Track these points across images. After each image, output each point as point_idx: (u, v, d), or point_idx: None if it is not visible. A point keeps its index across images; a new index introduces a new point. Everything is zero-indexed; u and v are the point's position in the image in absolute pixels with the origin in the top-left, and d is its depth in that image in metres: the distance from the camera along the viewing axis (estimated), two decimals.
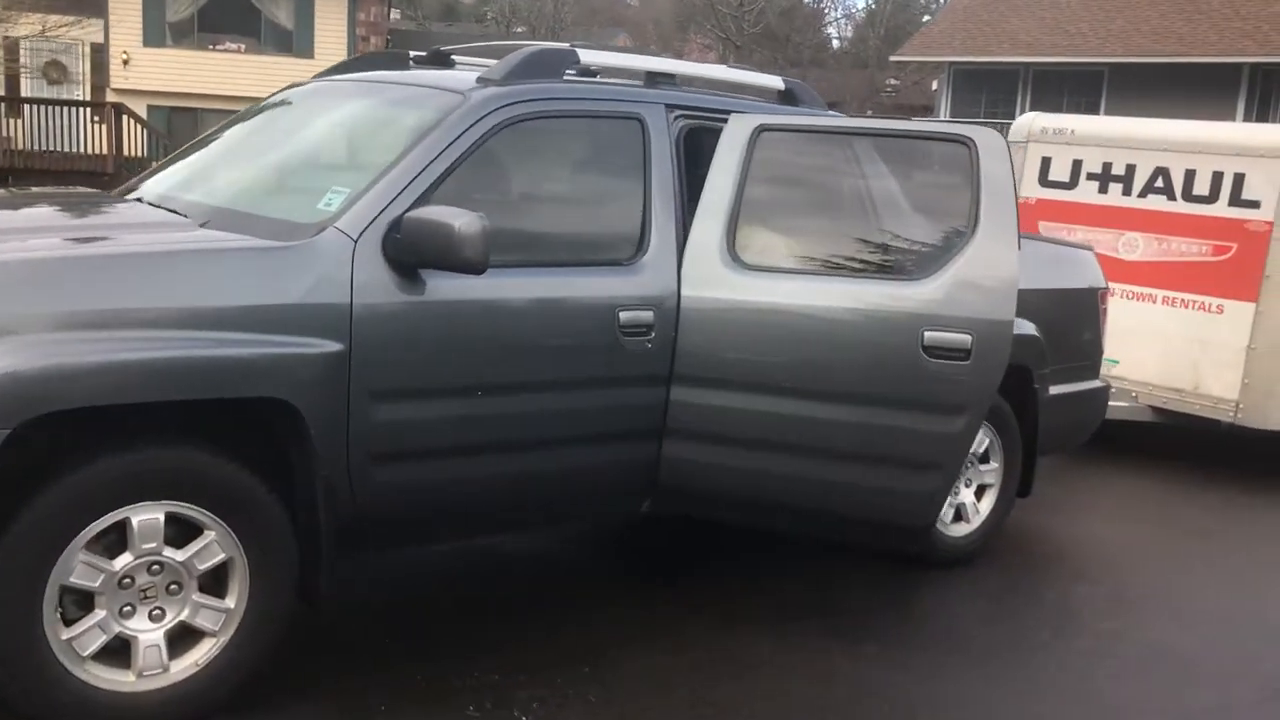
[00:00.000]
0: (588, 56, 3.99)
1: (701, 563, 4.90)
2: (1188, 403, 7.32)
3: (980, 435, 4.99)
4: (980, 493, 5.11)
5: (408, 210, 3.30)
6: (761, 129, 4.02)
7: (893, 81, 43.21)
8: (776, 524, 4.13)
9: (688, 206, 3.99)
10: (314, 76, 4.75)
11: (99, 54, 24.20)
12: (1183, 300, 7.33)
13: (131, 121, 22.06)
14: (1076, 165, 7.80)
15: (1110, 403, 7.46)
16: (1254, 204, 7.05)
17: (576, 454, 3.73)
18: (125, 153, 21.97)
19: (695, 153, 4.09)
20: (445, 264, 3.22)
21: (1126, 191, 7.58)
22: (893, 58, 26.65)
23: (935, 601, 4.67)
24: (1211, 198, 7.22)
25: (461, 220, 3.16)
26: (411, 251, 3.25)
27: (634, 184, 3.91)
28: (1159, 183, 7.44)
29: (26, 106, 22.45)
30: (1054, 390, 5.24)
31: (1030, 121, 8.13)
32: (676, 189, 3.97)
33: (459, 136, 3.50)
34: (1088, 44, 23.78)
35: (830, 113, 4.67)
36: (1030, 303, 5.00)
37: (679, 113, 4.08)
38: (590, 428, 3.73)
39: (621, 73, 4.26)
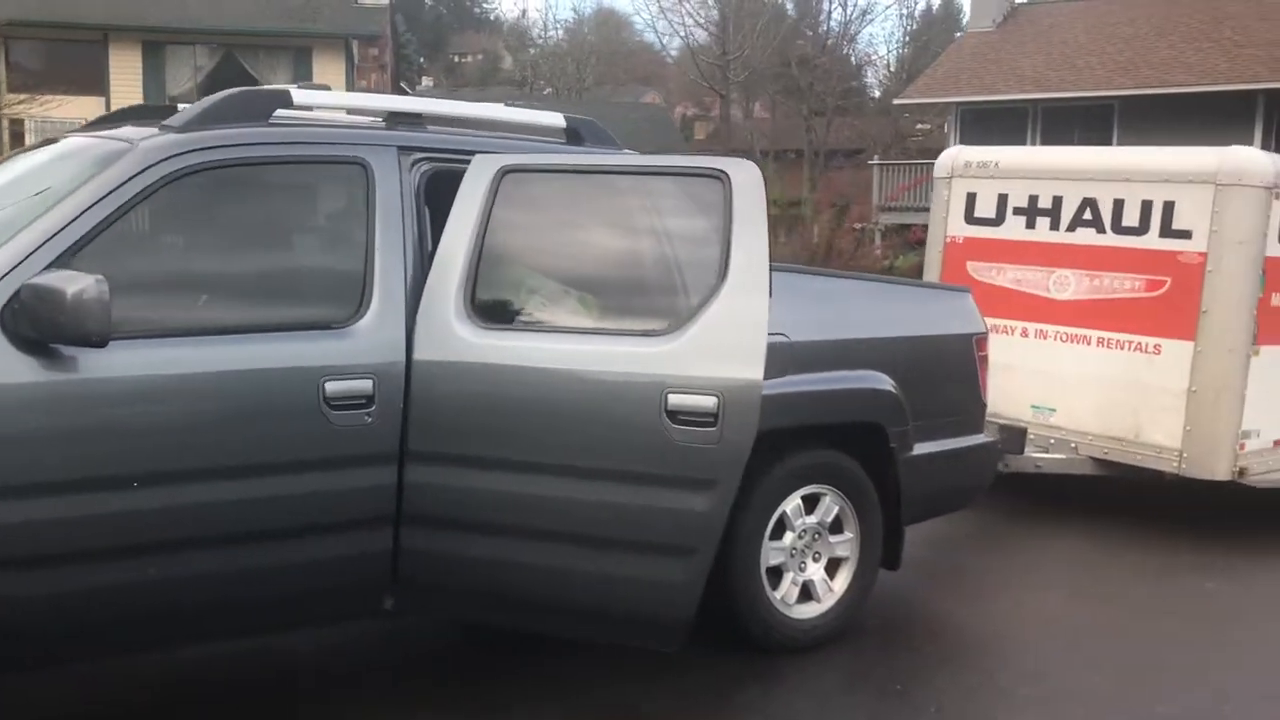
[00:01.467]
0: (303, 97, 3.57)
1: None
2: (1129, 452, 6.68)
3: (827, 502, 4.45)
4: (833, 568, 4.55)
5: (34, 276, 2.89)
6: (506, 170, 3.58)
7: (922, 125, 42.75)
8: (525, 623, 3.63)
9: (429, 259, 3.54)
10: (77, 130, 4.38)
11: None
12: (1118, 341, 6.73)
13: None
14: (1002, 200, 7.25)
15: (1048, 454, 6.95)
16: (1185, 234, 6.46)
17: (278, 550, 3.26)
18: None
19: (448, 200, 3.65)
20: (62, 336, 2.80)
21: (1055, 226, 7.01)
22: (897, 101, 26.19)
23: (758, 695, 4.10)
24: (1142, 229, 6.64)
25: (76, 286, 2.75)
26: (29, 323, 2.83)
27: (353, 236, 3.47)
28: (1087, 214, 6.88)
29: None
30: (920, 449, 4.68)
31: (955, 155, 7.61)
32: (412, 240, 3.53)
33: (116, 189, 3.09)
34: (1095, 78, 23.19)
35: (611, 151, 4.21)
36: (885, 353, 4.51)
37: (419, 155, 3.65)
38: (294, 519, 3.26)
39: (369, 113, 3.86)
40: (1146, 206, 6.61)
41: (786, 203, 23.85)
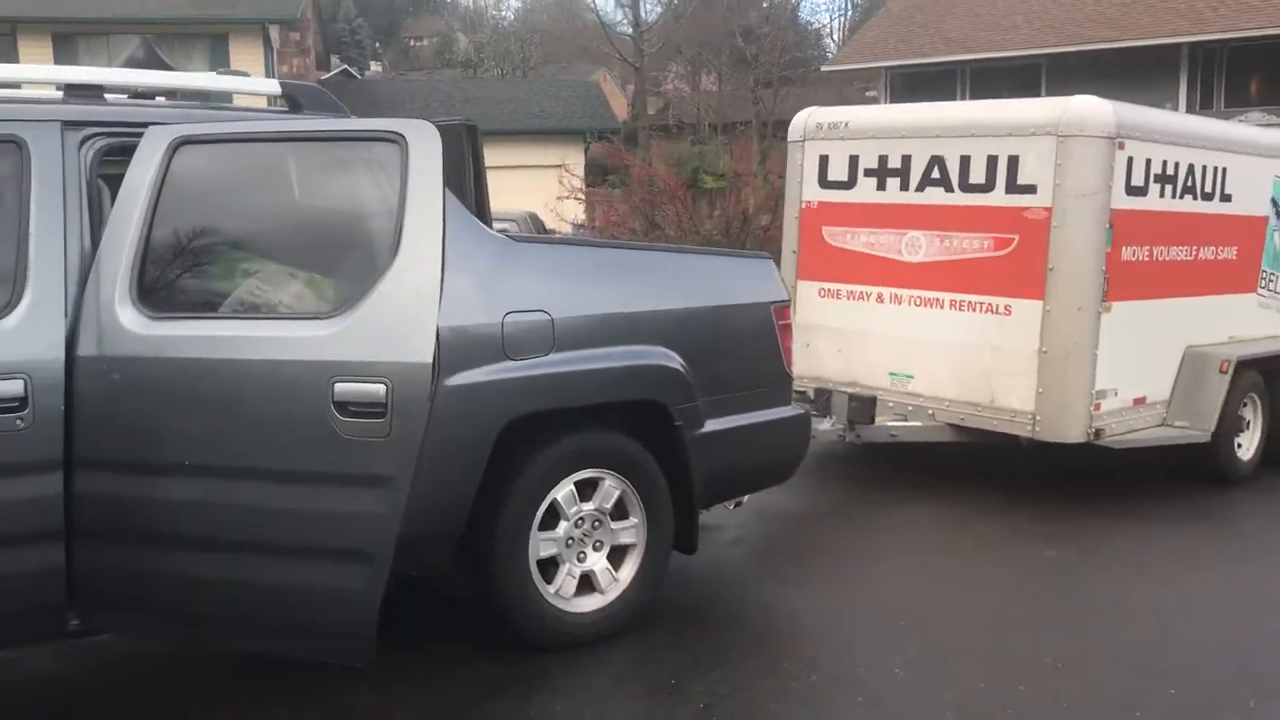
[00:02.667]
0: None
1: None
2: (985, 418, 6.47)
3: (607, 487, 4.20)
4: (618, 556, 4.29)
5: None
6: (182, 141, 3.28)
7: (871, 93, 42.44)
8: (218, 640, 3.35)
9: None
10: None
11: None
12: (970, 303, 6.50)
13: None
14: (854, 161, 7.00)
15: (907, 422, 6.72)
16: (1030, 189, 6.23)
17: None
18: None
19: None
20: None
21: (904, 186, 6.77)
22: (825, 68, 25.86)
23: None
24: (988, 186, 6.41)
25: None
26: None
27: (3, 222, 3.16)
28: (935, 173, 6.63)
29: None
30: (713, 426, 4.43)
31: (807, 117, 7.35)
32: (78, 224, 3.22)
33: None
34: (1022, 37, 22.96)
35: (327, 117, 3.90)
36: (669, 326, 4.25)
37: (93, 130, 3.34)
38: None
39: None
40: (992, 162, 6.37)
41: (735, 175, 23.58)
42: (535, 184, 20.85)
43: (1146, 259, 6.44)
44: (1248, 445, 7.09)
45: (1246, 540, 5.97)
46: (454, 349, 3.73)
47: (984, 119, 6.48)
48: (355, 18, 60.62)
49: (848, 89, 40.57)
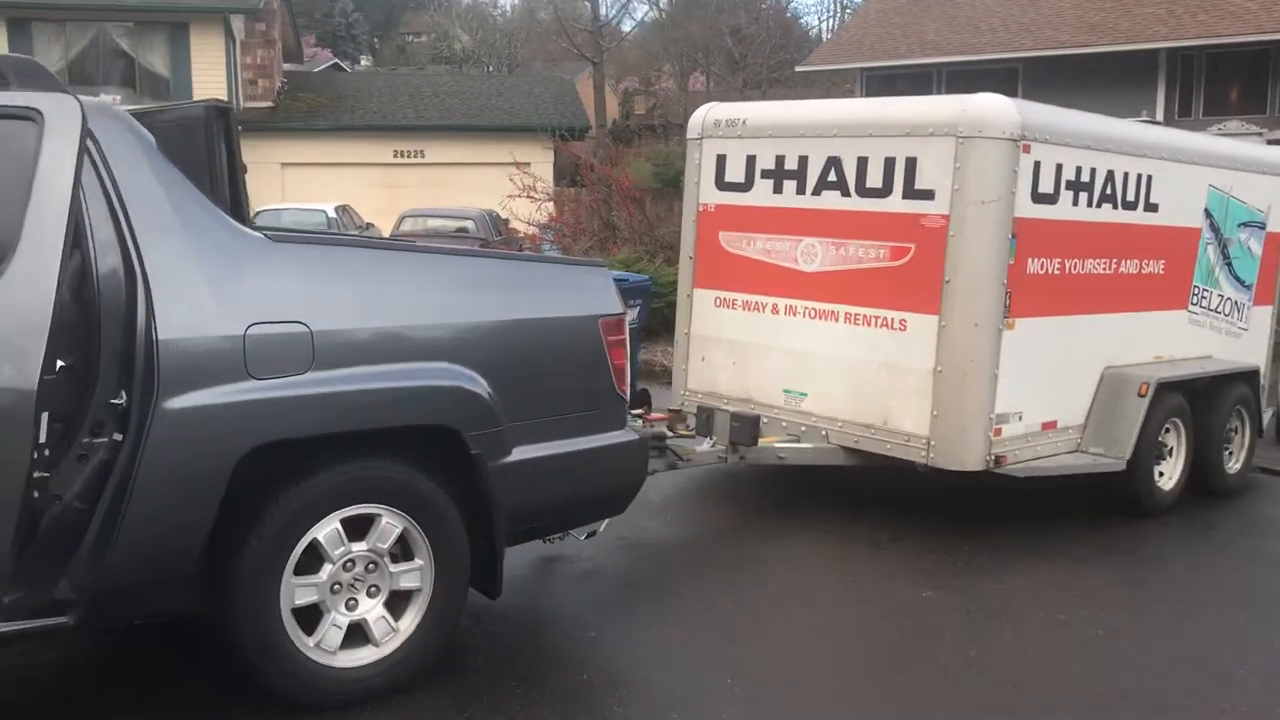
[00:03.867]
0: None
1: None
2: (879, 441, 5.95)
3: (384, 525, 3.68)
4: (400, 603, 3.77)
5: None
6: None
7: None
8: None
9: None
10: None
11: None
12: (865, 317, 5.99)
13: None
14: (751, 162, 6.49)
15: (798, 444, 6.20)
16: (928, 194, 5.72)
17: None
18: None
19: None
20: None
21: (801, 189, 6.26)
22: (799, 68, 25.35)
23: None
24: (885, 190, 5.90)
25: None
26: None
27: None
28: (832, 175, 6.13)
29: None
30: (523, 454, 3.92)
31: (705, 113, 6.83)
32: None
33: None
34: (998, 40, 22.51)
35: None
36: (464, 342, 3.73)
37: None
38: None
39: None
40: (890, 164, 5.86)
41: None
42: (500, 182, 20.32)
43: (1056, 272, 5.94)
44: (1169, 474, 6.59)
45: (1149, 582, 5.46)
46: (177, 366, 3.23)
47: (882, 117, 5.97)
48: (352, 12, 60.15)
49: (835, 91, 40.13)
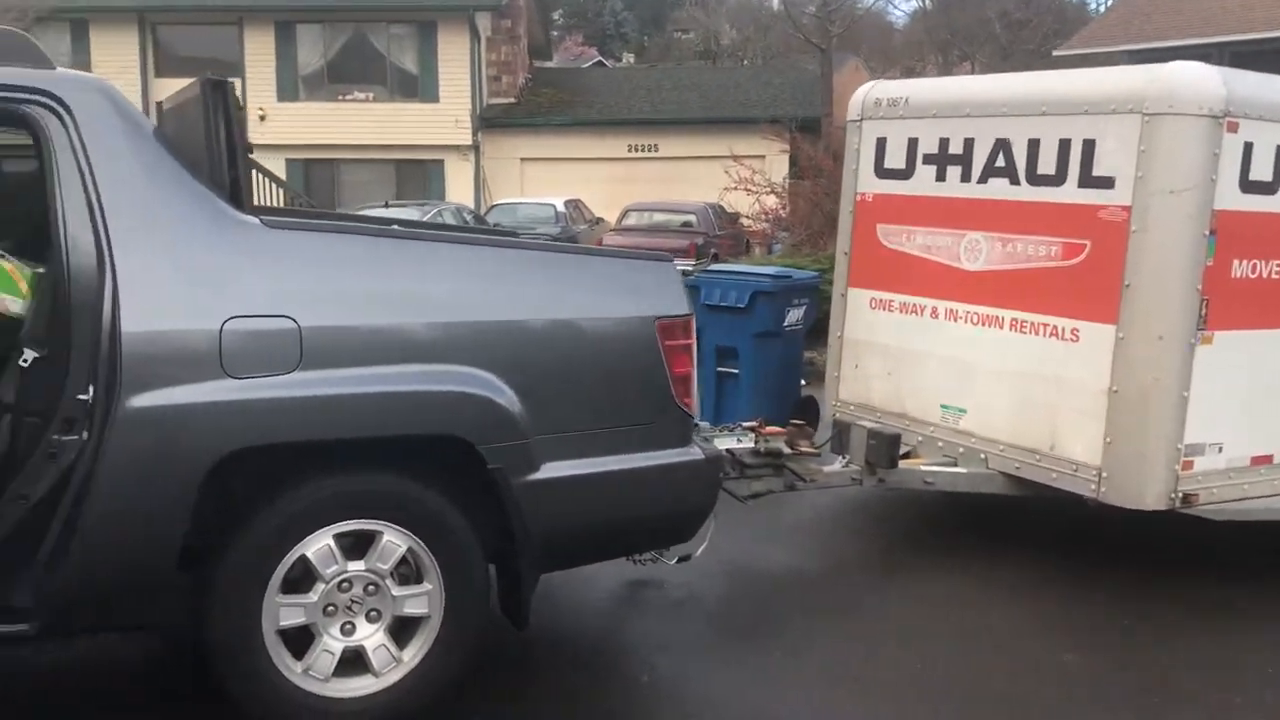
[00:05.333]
0: None
1: None
2: (1044, 469, 5.12)
3: (386, 543, 3.31)
4: (406, 630, 3.39)
5: None
6: None
7: None
8: None
9: None
10: None
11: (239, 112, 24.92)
12: (1033, 324, 5.17)
13: (261, 176, 22.42)
14: (912, 145, 5.75)
15: (950, 469, 5.45)
16: (1107, 182, 4.84)
17: None
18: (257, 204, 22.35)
19: None
20: None
21: (965, 177, 5.48)
22: (1056, 53, 23.45)
23: None
24: (1059, 177, 5.05)
25: None
26: None
27: None
28: (1000, 160, 5.32)
29: None
30: (555, 470, 3.46)
31: (866, 92, 6.12)
32: None
33: None
34: None
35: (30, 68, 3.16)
36: (486, 342, 3.34)
37: None
38: None
39: None
40: (1064, 147, 5.01)
41: None
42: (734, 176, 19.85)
43: (1272, 276, 4.91)
44: None
45: None
46: (142, 361, 2.97)
47: (1057, 92, 5.10)
48: (621, 11, 61.42)
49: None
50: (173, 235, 3.07)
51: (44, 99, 3.03)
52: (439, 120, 24.49)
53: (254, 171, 22.08)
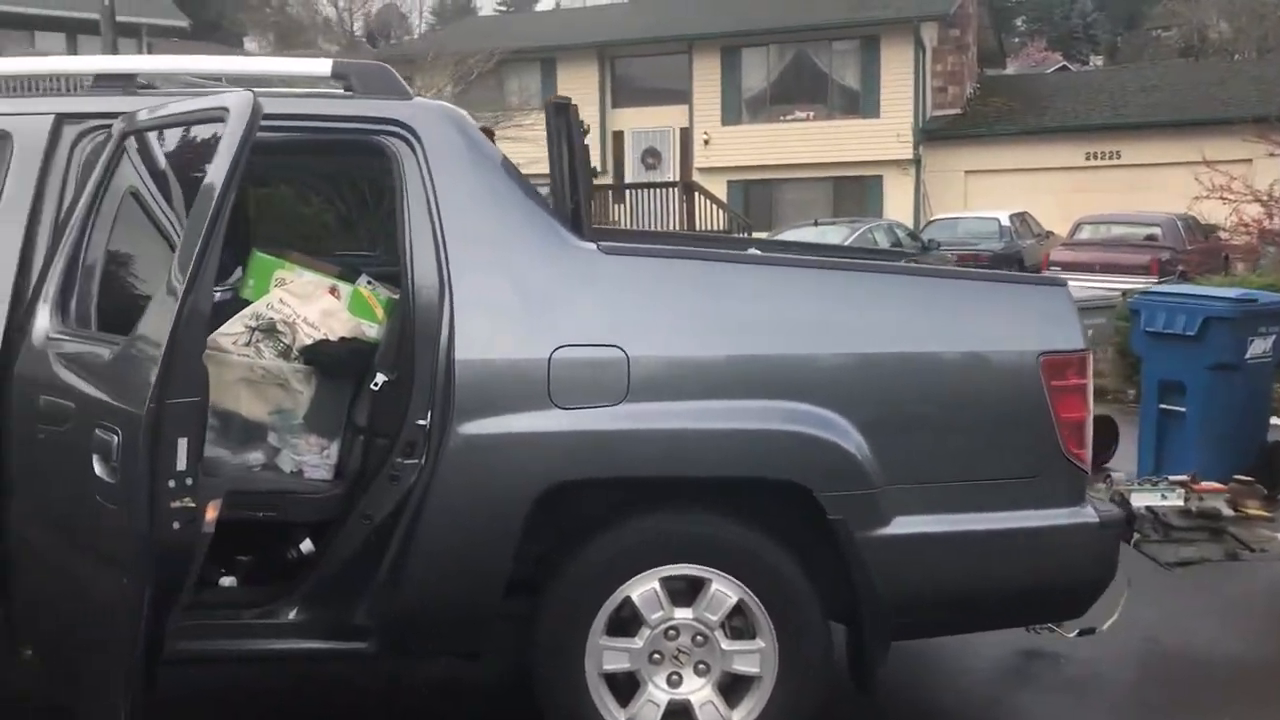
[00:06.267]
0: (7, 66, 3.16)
1: None
2: None
3: (716, 592, 3.06)
4: (737, 689, 3.11)
5: None
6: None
7: None
8: None
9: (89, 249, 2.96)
10: None
11: (686, 137, 26.04)
12: None
13: (703, 198, 23.28)
14: None
15: None
16: None
17: None
18: (698, 228, 23.20)
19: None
20: None
21: None
22: None
23: None
24: None
25: None
26: None
27: None
28: None
29: (627, 191, 24.86)
30: (910, 525, 3.05)
31: None
32: (50, 225, 2.98)
33: None
34: None
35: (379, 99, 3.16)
36: (832, 378, 3.08)
37: (94, 124, 3.06)
38: None
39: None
40: None
41: None
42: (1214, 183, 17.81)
43: None
44: None
45: None
46: (473, 388, 2.95)
47: None
48: (1091, 12, 57.94)
49: None
50: (508, 262, 3.03)
51: (396, 128, 3.09)
52: (879, 135, 24.10)
53: (694, 193, 22.84)
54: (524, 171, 3.17)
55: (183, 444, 2.31)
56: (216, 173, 2.40)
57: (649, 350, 2.98)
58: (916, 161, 24.60)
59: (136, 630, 2.33)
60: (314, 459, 3.21)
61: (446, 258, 3.01)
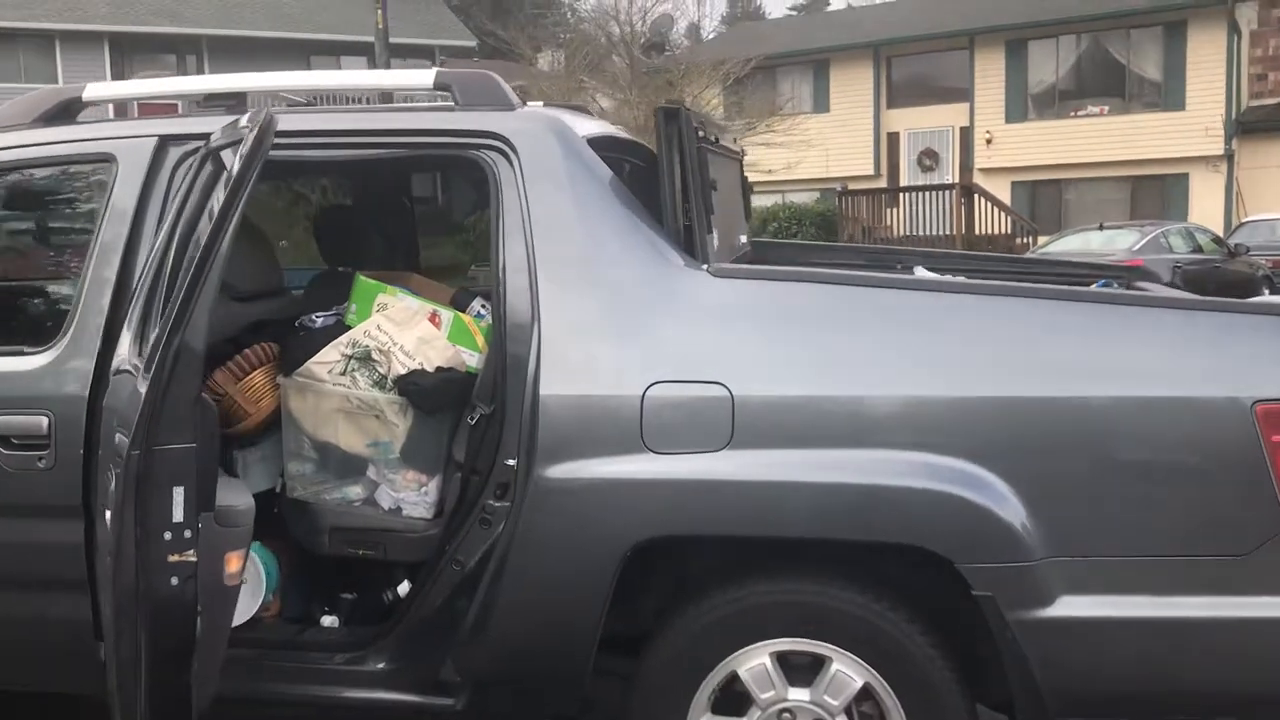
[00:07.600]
0: (93, 92, 3.12)
1: None
2: None
3: (838, 673, 2.62)
4: None
5: None
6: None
7: None
8: None
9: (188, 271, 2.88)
10: None
11: (966, 137, 24.76)
12: None
13: (983, 201, 22.03)
14: None
15: None
16: None
17: None
18: (977, 232, 22.00)
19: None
20: None
21: None
22: None
23: None
24: None
25: None
26: None
27: (76, 245, 2.97)
28: None
29: (902, 195, 23.92)
30: (1074, 608, 2.50)
31: None
32: (152, 248, 2.91)
33: None
34: None
35: (478, 110, 2.88)
36: (977, 428, 2.62)
37: (194, 145, 2.96)
38: None
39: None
40: None
41: None
42: None
43: None
44: None
45: None
46: (557, 428, 2.65)
47: None
48: None
49: None
50: (600, 286, 2.71)
51: (493, 141, 2.84)
52: (1184, 130, 21.99)
53: (974, 195, 21.60)
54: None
55: (179, 493, 2.13)
56: (216, 198, 2.22)
57: (758, 389, 2.58)
58: (1229, 157, 22.28)
59: (136, 688, 2.18)
60: (412, 495, 3.01)
61: (536, 281, 2.73)
